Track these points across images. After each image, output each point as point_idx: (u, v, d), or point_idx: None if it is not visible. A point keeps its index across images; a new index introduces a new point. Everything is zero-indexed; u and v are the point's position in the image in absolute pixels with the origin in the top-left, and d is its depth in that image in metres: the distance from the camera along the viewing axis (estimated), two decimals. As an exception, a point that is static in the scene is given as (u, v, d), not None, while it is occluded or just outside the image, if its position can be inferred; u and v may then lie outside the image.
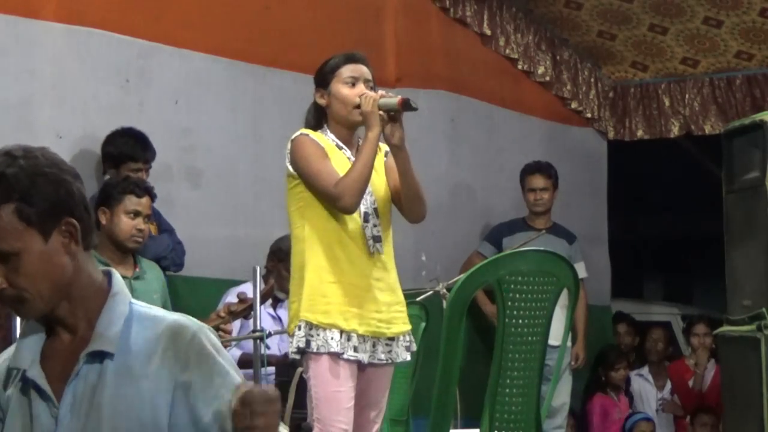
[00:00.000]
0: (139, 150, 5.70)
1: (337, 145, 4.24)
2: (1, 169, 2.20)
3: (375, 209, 4.20)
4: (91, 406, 2.23)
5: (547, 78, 8.28)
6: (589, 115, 8.56)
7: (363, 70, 4.26)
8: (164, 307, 5.20)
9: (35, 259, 2.21)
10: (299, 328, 4.10)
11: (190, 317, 2.33)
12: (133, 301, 2.36)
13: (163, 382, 2.24)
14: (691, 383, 7.90)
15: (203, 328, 2.31)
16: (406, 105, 4.12)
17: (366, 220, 4.18)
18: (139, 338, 2.27)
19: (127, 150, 5.68)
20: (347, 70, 4.24)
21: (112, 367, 2.25)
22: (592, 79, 8.56)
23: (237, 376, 2.31)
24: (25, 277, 2.21)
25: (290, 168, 4.20)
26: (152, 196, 5.22)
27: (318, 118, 4.30)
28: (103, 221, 5.07)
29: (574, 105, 8.47)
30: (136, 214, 5.07)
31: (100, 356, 2.25)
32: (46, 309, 2.25)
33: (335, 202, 4.10)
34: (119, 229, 5.05)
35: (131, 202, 5.06)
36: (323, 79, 4.28)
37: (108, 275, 2.36)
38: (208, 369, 2.26)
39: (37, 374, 2.26)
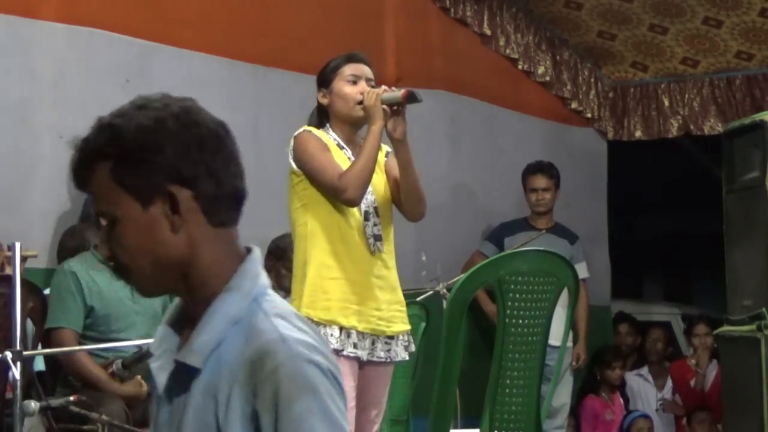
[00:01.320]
0: None
1: (339, 144, 4.25)
2: (112, 117, 1.88)
3: (375, 208, 4.21)
4: (179, 424, 1.84)
5: (547, 78, 8.28)
6: (589, 115, 8.56)
7: (364, 69, 4.29)
8: (164, 307, 5.20)
9: (131, 230, 1.84)
10: (299, 326, 4.11)
11: (298, 340, 1.79)
12: (265, 297, 1.87)
13: (236, 419, 1.78)
14: (692, 383, 7.90)
15: (297, 358, 1.76)
16: (410, 97, 4.15)
17: (366, 218, 4.18)
18: (231, 355, 1.81)
19: None
20: (349, 69, 4.26)
21: (200, 384, 1.82)
22: (592, 79, 8.56)
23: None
24: (123, 249, 1.86)
25: (293, 165, 4.21)
26: None
27: (320, 118, 4.31)
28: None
29: (574, 105, 8.47)
30: None
31: (188, 369, 1.84)
32: (155, 289, 1.90)
33: (340, 194, 4.11)
34: None
35: None
36: (325, 78, 4.30)
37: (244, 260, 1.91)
38: (285, 416, 1.74)
39: (155, 368, 1.91)
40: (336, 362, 1.83)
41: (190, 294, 1.87)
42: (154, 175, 1.82)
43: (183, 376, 1.83)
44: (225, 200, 1.87)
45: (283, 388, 1.74)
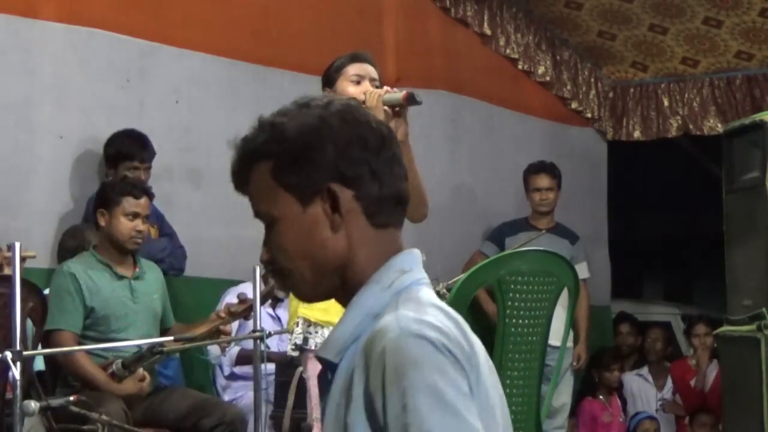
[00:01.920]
0: (136, 149, 5.70)
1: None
2: (274, 116, 1.84)
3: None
4: (326, 424, 1.76)
5: (547, 78, 8.28)
6: (589, 115, 8.56)
7: (369, 69, 4.28)
8: (164, 307, 5.20)
9: (291, 230, 1.79)
10: (297, 325, 4.11)
11: (413, 318, 1.67)
12: (410, 289, 1.77)
13: (357, 408, 1.67)
14: (693, 383, 7.90)
15: (405, 334, 1.64)
16: (410, 99, 4.14)
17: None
18: (360, 344, 1.72)
19: (124, 149, 5.69)
20: (353, 69, 4.26)
21: (338, 380, 1.74)
22: (592, 79, 8.57)
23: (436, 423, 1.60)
24: (281, 251, 1.80)
25: None
26: (150, 196, 5.22)
27: None
28: (102, 223, 5.07)
29: (574, 105, 8.47)
30: (135, 215, 5.07)
31: (329, 364, 1.78)
32: (315, 293, 1.84)
33: None
34: (119, 231, 5.04)
35: (129, 203, 5.06)
36: (329, 78, 4.30)
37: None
38: (390, 395, 1.62)
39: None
40: (464, 342, 1.70)
41: (348, 297, 1.80)
42: (315, 174, 1.77)
43: (327, 372, 1.78)
44: (387, 201, 1.81)
45: (389, 367, 1.62)
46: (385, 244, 1.81)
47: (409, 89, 4.30)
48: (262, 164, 1.81)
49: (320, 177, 1.77)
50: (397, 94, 4.17)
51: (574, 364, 7.41)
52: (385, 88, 4.22)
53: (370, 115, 1.84)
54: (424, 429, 1.59)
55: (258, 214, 1.85)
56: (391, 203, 1.82)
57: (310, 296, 1.85)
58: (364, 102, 4.19)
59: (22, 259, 4.71)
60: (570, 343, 7.06)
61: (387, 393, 1.62)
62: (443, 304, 1.76)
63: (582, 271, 7.43)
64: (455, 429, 1.60)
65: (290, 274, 1.81)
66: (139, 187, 5.17)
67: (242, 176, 1.85)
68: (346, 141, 1.78)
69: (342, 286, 1.80)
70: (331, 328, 4.06)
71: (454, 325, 1.71)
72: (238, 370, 6.10)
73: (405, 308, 1.70)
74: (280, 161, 1.79)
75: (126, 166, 5.64)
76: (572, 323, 5.35)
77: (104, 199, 5.10)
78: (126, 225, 5.05)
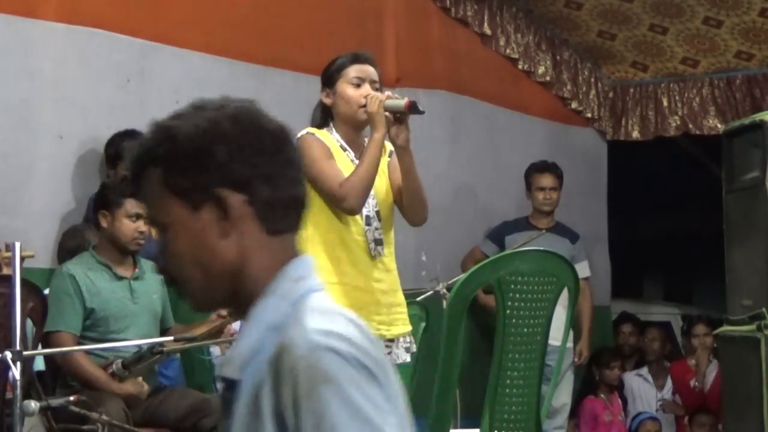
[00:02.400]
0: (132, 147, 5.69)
1: (342, 146, 4.23)
2: (168, 119, 1.77)
3: (377, 212, 4.20)
4: None
5: (548, 78, 8.28)
6: (589, 115, 8.57)
7: (369, 70, 4.25)
8: (163, 307, 5.20)
9: (180, 237, 1.74)
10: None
11: (318, 330, 1.63)
12: (309, 297, 1.71)
13: (268, 425, 1.62)
14: (692, 383, 7.90)
15: (314, 349, 1.59)
16: (413, 108, 4.11)
17: (368, 223, 4.17)
18: (265, 359, 1.66)
19: (122, 149, 5.69)
20: (353, 71, 4.23)
21: (243, 398, 1.67)
22: (592, 79, 8.57)
23: None
24: (172, 258, 1.75)
25: None
26: None
27: (324, 116, 4.29)
28: (104, 224, 5.07)
29: (574, 105, 8.47)
30: (138, 216, 5.07)
31: (231, 383, 1.72)
32: (207, 302, 1.79)
33: (339, 203, 4.09)
34: (122, 232, 5.04)
35: (131, 204, 5.05)
36: (329, 78, 4.27)
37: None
38: (305, 413, 1.57)
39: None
40: (375, 354, 1.65)
41: (242, 307, 1.74)
42: (204, 178, 1.72)
43: (229, 391, 1.71)
44: (281, 206, 1.75)
45: (301, 384, 1.58)
46: (280, 251, 1.74)
47: (405, 95, 4.28)
48: (154, 169, 1.75)
49: (210, 181, 1.71)
50: (400, 101, 4.14)
51: (576, 360, 7.42)
52: (387, 93, 4.20)
53: (266, 117, 1.79)
54: None
55: (151, 220, 1.80)
56: (285, 208, 1.76)
57: (202, 305, 1.80)
58: (364, 105, 4.18)
59: (21, 259, 4.72)
60: (570, 344, 7.06)
61: (300, 411, 1.57)
62: (344, 310, 1.71)
63: (583, 269, 7.43)
64: None
65: (183, 282, 1.76)
66: None
67: (136, 182, 1.79)
68: (238, 144, 1.72)
69: (235, 295, 1.74)
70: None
71: (359, 332, 1.66)
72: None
73: (310, 319, 1.65)
74: (170, 166, 1.73)
75: (124, 166, 5.64)
76: (573, 322, 5.35)
77: (105, 201, 5.10)
78: (129, 226, 5.05)
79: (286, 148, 1.78)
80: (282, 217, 1.75)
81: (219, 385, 1.77)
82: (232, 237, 1.72)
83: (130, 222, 5.06)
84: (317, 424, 1.56)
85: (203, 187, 1.72)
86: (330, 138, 4.24)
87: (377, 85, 4.25)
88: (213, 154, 1.71)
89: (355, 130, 4.26)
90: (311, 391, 1.57)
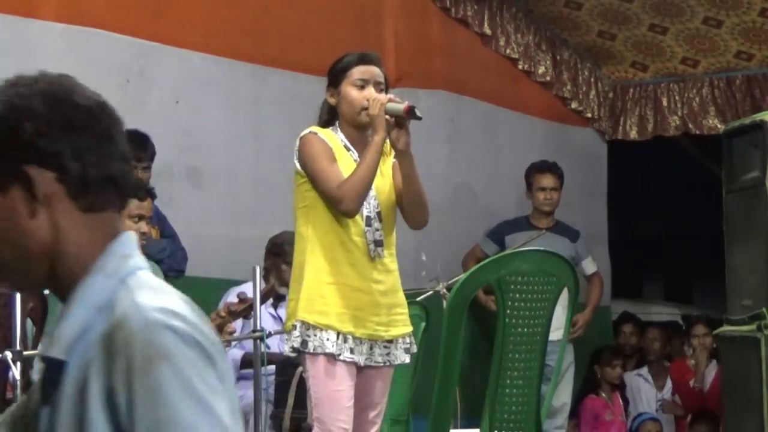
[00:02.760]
0: (135, 148, 5.70)
1: (345, 146, 4.23)
2: None
3: (378, 213, 4.20)
4: (54, 425, 1.63)
5: (548, 78, 8.28)
6: (589, 115, 8.56)
7: (374, 71, 4.24)
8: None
9: None
10: (295, 328, 4.10)
11: (155, 307, 1.58)
12: (136, 275, 1.66)
13: (96, 403, 1.56)
14: (692, 383, 7.90)
15: (152, 325, 1.55)
16: (410, 113, 4.11)
17: (368, 224, 4.17)
18: (94, 338, 1.60)
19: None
20: (358, 72, 4.22)
21: (69, 380, 1.61)
22: (592, 79, 8.56)
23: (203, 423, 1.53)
24: None
25: (297, 165, 4.20)
26: (153, 197, 5.22)
27: (331, 114, 4.29)
28: None
29: (574, 105, 8.47)
30: (140, 218, 5.06)
31: (55, 364, 1.63)
32: (25, 284, 1.76)
33: (336, 204, 4.09)
34: None
35: (134, 206, 5.05)
36: (334, 78, 4.27)
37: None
38: (139, 390, 1.53)
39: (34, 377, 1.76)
40: (208, 332, 1.61)
41: (62, 289, 1.67)
42: (10, 156, 1.64)
43: (53, 374, 1.63)
44: (96, 183, 1.67)
45: (136, 360, 1.52)
46: (99, 229, 1.67)
47: (405, 95, 4.28)
48: None
49: (17, 159, 1.63)
50: (399, 105, 4.14)
51: (572, 330, 7.34)
52: (389, 96, 4.19)
53: (81, 93, 1.73)
54: (177, 423, 1.52)
55: None
56: (101, 185, 1.68)
57: (21, 286, 1.76)
58: (367, 108, 4.18)
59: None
60: (570, 344, 7.06)
61: (133, 387, 1.53)
62: (173, 289, 1.67)
63: (589, 266, 7.44)
64: (208, 424, 1.53)
65: None
66: (142, 189, 5.16)
67: None
68: (47, 120, 1.65)
69: (54, 275, 1.66)
70: (330, 331, 4.08)
71: (192, 311, 1.62)
72: (238, 370, 6.10)
73: (143, 296, 1.59)
74: None
75: None
76: (572, 323, 5.36)
77: None
78: (130, 227, 5.05)
79: (101, 123, 1.72)
80: (98, 193, 1.68)
81: (38, 367, 1.66)
82: (42, 216, 1.65)
83: (132, 223, 5.05)
84: (151, 402, 1.52)
85: (10, 166, 1.64)
86: (334, 137, 4.23)
87: (382, 86, 4.24)
88: (19, 131, 1.64)
89: (358, 130, 4.26)
90: (146, 368, 1.52)
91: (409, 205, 4.23)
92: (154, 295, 1.60)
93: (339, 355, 4.07)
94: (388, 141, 4.17)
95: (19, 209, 1.65)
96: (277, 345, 5.72)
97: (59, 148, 1.65)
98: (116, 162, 1.72)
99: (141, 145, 5.74)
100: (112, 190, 1.70)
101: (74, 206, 1.66)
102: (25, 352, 3.90)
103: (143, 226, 5.07)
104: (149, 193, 5.17)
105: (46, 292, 4.94)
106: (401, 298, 4.26)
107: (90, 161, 1.67)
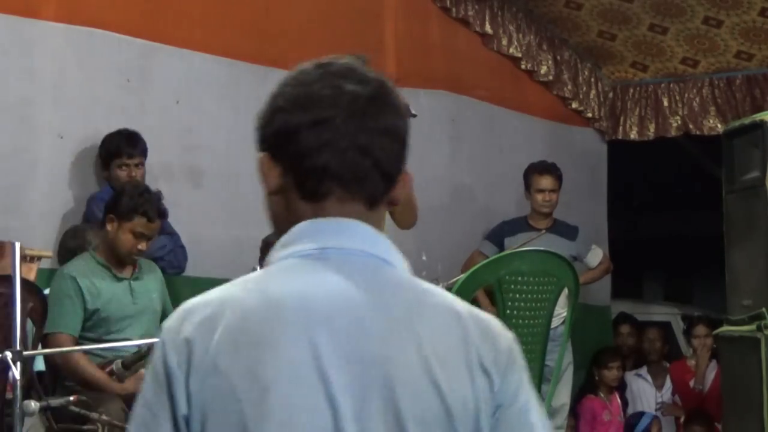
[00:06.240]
0: (125, 145, 5.70)
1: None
2: None
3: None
4: None
5: (550, 78, 8.28)
6: (589, 115, 8.56)
7: None
8: (164, 307, 5.20)
9: None
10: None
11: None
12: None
13: None
14: (692, 383, 7.90)
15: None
16: None
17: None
18: None
19: (113, 147, 5.70)
20: None
21: None
22: (593, 79, 8.56)
23: None
24: None
25: None
26: (164, 217, 5.19)
27: None
28: (109, 228, 5.04)
29: (574, 105, 8.47)
30: (142, 236, 5.05)
31: None
32: None
33: None
34: (122, 243, 5.03)
35: (141, 224, 5.02)
36: None
37: None
38: None
39: None
40: (206, 342, 1.62)
41: None
42: None
43: None
44: None
45: None
46: None
47: (405, 95, 4.27)
48: None
49: None
50: None
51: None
52: None
53: None
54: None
55: None
56: None
57: None
58: None
59: (38, 258, 4.77)
60: (570, 345, 7.06)
61: None
62: (236, 290, 1.67)
63: (595, 256, 7.39)
64: None
65: None
66: (155, 210, 5.10)
67: None
68: None
69: None
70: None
71: (211, 321, 1.62)
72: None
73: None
74: None
75: (116, 164, 5.66)
76: (572, 323, 5.35)
77: (118, 207, 5.04)
78: (130, 241, 5.04)
79: None
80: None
81: None
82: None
83: (133, 238, 5.04)
84: None
85: None
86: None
87: None
88: None
89: None
90: None
91: (398, 208, 4.22)
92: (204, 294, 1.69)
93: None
94: None
95: None
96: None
97: None
98: None
99: (127, 141, 5.73)
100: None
101: None
102: (25, 352, 3.90)
103: (143, 245, 5.06)
104: (161, 216, 5.14)
105: (47, 291, 4.95)
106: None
107: None
